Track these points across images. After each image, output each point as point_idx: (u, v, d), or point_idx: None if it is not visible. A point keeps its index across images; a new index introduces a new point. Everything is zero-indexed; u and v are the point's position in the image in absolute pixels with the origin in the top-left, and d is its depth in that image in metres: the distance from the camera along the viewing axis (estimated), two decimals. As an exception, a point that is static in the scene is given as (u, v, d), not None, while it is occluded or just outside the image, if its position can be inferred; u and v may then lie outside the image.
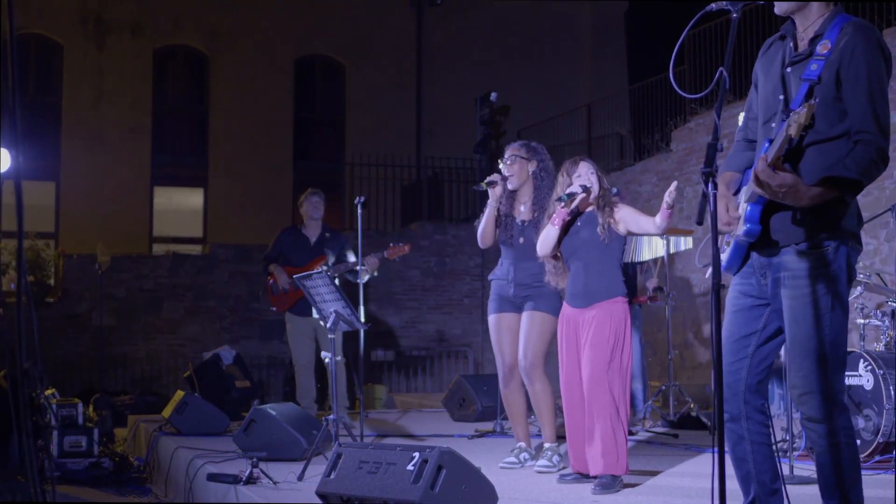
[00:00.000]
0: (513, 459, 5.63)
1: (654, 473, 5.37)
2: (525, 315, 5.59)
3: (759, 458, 3.31)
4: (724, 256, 3.34)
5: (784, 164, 3.07)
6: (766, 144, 3.15)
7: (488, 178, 5.67)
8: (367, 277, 6.89)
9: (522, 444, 5.73)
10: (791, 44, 3.30)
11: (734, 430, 3.31)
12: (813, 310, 3.12)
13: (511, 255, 5.69)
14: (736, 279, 3.37)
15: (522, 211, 5.70)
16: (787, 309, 3.18)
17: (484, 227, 5.72)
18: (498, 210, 5.76)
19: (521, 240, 5.65)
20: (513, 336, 5.66)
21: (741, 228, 3.19)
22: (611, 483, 4.77)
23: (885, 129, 3.12)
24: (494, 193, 5.65)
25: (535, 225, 5.59)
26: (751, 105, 3.47)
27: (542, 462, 5.50)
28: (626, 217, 5.02)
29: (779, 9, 3.30)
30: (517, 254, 5.66)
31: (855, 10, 8.79)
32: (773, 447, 3.37)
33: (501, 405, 7.40)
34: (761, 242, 3.23)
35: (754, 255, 3.28)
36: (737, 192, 3.34)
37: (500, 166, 5.75)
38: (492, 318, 5.75)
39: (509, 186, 5.69)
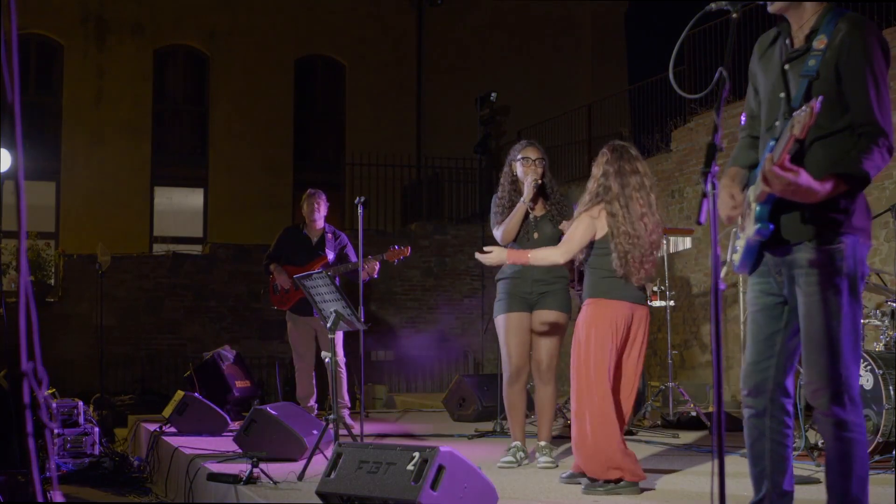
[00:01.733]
0: (511, 458, 5.68)
1: (653, 473, 5.37)
2: (545, 314, 5.69)
3: (776, 458, 3.31)
4: (736, 256, 3.35)
5: (790, 162, 3.06)
6: (772, 143, 3.15)
7: (533, 184, 5.70)
8: (361, 274, 6.91)
9: (519, 443, 5.77)
10: (787, 41, 3.30)
11: (756, 426, 3.31)
12: (825, 306, 3.13)
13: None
14: (754, 278, 3.37)
15: (534, 207, 5.80)
16: (801, 305, 3.19)
17: (513, 225, 5.72)
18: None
19: (536, 235, 5.75)
20: (522, 336, 5.70)
21: (752, 229, 3.19)
22: (590, 484, 4.77)
23: (888, 120, 3.13)
24: (530, 193, 5.71)
25: (550, 219, 5.76)
26: (750, 103, 3.47)
27: (544, 459, 5.63)
28: None
29: (772, 7, 3.30)
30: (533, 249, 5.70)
31: (854, 10, 8.79)
32: (791, 449, 3.37)
33: (502, 405, 7.41)
34: (773, 241, 3.22)
35: (767, 254, 3.28)
36: (744, 189, 3.33)
37: (526, 169, 5.75)
38: (500, 319, 5.76)
39: (536, 187, 5.76)
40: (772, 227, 3.17)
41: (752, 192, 3.24)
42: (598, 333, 4.81)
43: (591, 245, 4.92)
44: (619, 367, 4.90)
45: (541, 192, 5.81)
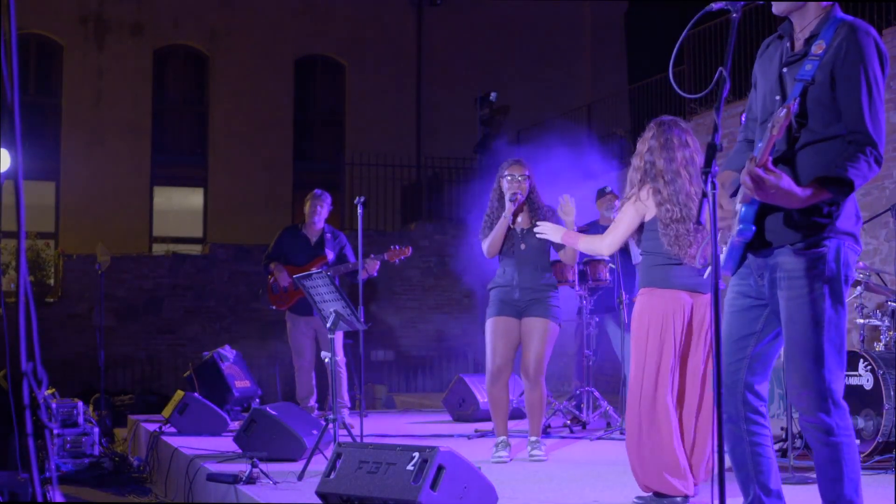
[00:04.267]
0: (503, 453, 5.95)
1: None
2: (533, 321, 5.99)
3: (759, 460, 3.30)
4: (722, 257, 3.33)
5: (776, 166, 3.06)
6: (760, 145, 3.15)
7: (513, 198, 6.00)
8: (361, 275, 6.93)
9: (504, 437, 6.05)
10: (788, 43, 3.30)
11: (733, 431, 3.30)
12: (809, 310, 3.12)
13: (514, 262, 6.07)
14: (734, 280, 3.37)
15: (520, 221, 6.13)
16: (783, 310, 3.18)
17: (496, 239, 6.06)
18: None
19: (523, 246, 6.07)
20: (507, 340, 6.02)
21: (735, 229, 3.19)
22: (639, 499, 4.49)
23: (879, 129, 3.11)
24: (511, 208, 6.02)
25: (536, 232, 5.87)
26: (751, 106, 3.46)
27: (535, 452, 5.99)
28: None
29: (776, 8, 3.30)
30: (520, 260, 6.06)
31: (854, 10, 8.79)
32: (772, 448, 3.37)
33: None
34: (757, 243, 3.22)
35: (751, 256, 3.27)
36: (735, 193, 3.33)
37: (511, 186, 6.05)
38: (490, 322, 6.07)
39: (518, 203, 6.07)
40: (753, 229, 3.16)
41: (739, 194, 3.24)
42: (649, 328, 4.41)
43: (640, 228, 4.58)
44: (684, 366, 4.45)
45: (528, 206, 6.12)
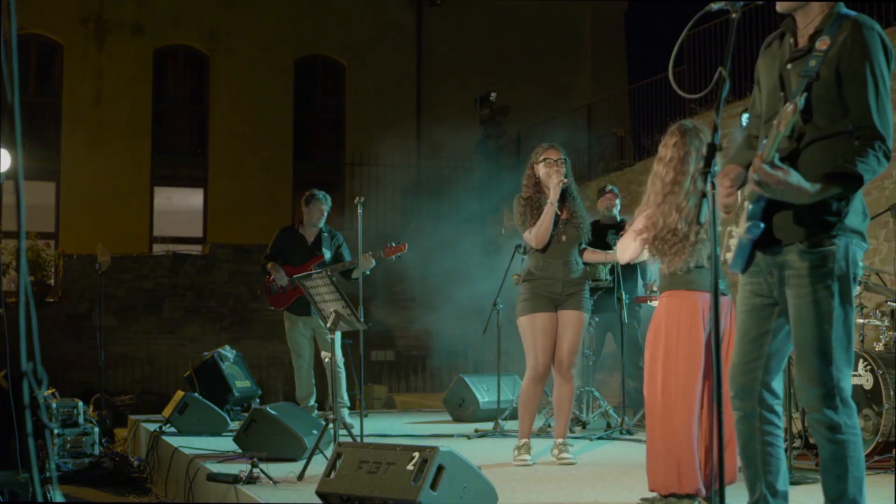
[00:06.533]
0: (527, 456, 5.78)
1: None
2: (570, 314, 5.80)
3: (768, 459, 3.30)
4: (729, 255, 3.33)
5: (781, 162, 3.06)
6: (765, 141, 3.15)
7: (558, 185, 5.83)
8: (361, 275, 6.93)
9: (528, 440, 5.87)
10: (791, 40, 3.30)
11: (746, 429, 3.31)
12: (818, 308, 3.12)
13: (555, 255, 5.85)
14: (745, 278, 3.36)
15: (562, 210, 5.93)
16: (792, 307, 3.18)
17: (545, 228, 5.80)
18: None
19: (564, 238, 5.88)
20: (549, 337, 5.79)
21: (743, 227, 3.19)
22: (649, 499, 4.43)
23: (886, 124, 3.11)
24: (556, 194, 5.82)
25: (573, 223, 5.89)
26: (754, 103, 3.46)
27: (566, 455, 5.81)
28: None
29: (780, 7, 3.30)
30: (561, 252, 5.86)
31: (854, 9, 8.78)
32: (783, 449, 3.36)
33: (502, 405, 7.49)
34: (765, 241, 3.21)
35: (759, 254, 3.27)
36: (739, 187, 3.33)
37: (549, 171, 5.87)
38: (527, 318, 5.83)
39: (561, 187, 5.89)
40: (762, 226, 3.16)
41: (745, 191, 3.24)
42: (665, 330, 4.33)
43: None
44: (706, 367, 4.33)
45: (563, 195, 5.91)
